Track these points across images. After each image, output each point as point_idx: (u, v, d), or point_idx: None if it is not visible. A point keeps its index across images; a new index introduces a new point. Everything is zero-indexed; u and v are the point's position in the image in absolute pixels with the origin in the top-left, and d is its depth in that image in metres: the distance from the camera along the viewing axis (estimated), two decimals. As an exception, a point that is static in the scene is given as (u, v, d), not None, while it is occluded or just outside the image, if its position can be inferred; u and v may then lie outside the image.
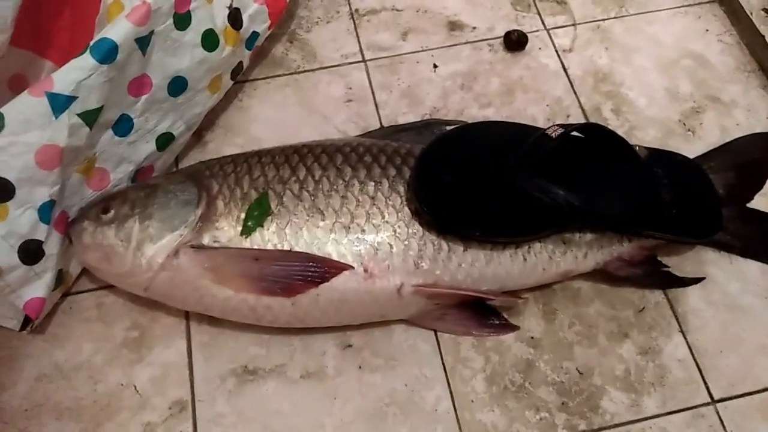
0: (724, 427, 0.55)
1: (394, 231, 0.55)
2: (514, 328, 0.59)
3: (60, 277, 0.57)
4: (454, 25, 0.80)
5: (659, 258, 0.62)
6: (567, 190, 0.56)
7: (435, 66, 0.77)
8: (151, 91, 0.59)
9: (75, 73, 0.52)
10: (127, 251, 0.53)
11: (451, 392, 0.57)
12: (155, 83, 0.59)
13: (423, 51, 0.78)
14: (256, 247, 0.53)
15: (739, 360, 0.58)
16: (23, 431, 0.55)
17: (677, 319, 0.60)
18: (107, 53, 0.53)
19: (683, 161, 0.63)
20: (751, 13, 0.77)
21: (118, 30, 0.54)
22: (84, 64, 0.52)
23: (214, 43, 0.63)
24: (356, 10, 0.81)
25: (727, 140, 0.69)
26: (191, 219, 0.54)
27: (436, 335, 0.59)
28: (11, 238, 0.51)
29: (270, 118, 0.72)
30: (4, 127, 0.49)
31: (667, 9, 0.81)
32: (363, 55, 0.77)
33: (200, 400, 0.56)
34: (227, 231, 0.54)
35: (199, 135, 0.69)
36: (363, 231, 0.54)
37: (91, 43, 0.53)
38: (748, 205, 0.65)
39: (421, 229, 0.55)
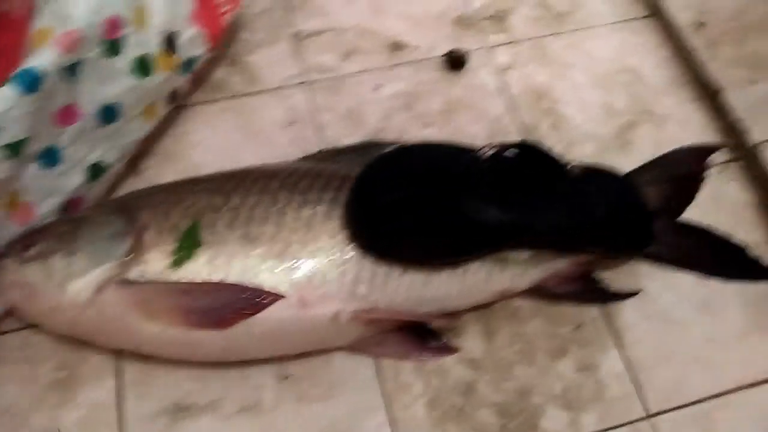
0: (660, 441, 0.56)
1: (329, 257, 0.55)
2: (453, 350, 0.59)
3: (-16, 316, 0.55)
4: (396, 45, 0.80)
5: (596, 272, 0.63)
6: (501, 210, 0.56)
7: (377, 86, 0.77)
8: (80, 120, 0.58)
9: (-3, 104, 0.50)
10: (51, 288, 0.52)
11: (392, 419, 0.56)
12: (85, 112, 0.58)
13: (365, 72, 0.78)
14: (186, 279, 0.52)
15: (674, 373, 0.59)
16: (-55, 483, 0.53)
17: (614, 334, 0.61)
18: (31, 82, 0.52)
19: (615, 178, 0.64)
20: (684, 28, 0.79)
21: (42, 59, 0.53)
22: (6, 94, 0.51)
23: (147, 68, 0.62)
24: (298, 32, 0.81)
25: (661, 153, 0.70)
26: (119, 252, 0.53)
27: (376, 361, 0.59)
28: (-72, 279, 0.50)
29: (210, 144, 0.72)
30: None
31: (604, 25, 0.83)
32: (305, 77, 0.77)
33: (131, 441, 0.55)
34: (156, 264, 0.53)
35: (134, 163, 0.68)
36: (297, 258, 0.54)
37: (14, 72, 0.52)
38: (681, 217, 0.66)
39: (357, 253, 0.55)
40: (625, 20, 0.83)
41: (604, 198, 0.61)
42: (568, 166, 0.61)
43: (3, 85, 0.51)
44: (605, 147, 0.73)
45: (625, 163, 0.68)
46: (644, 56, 0.80)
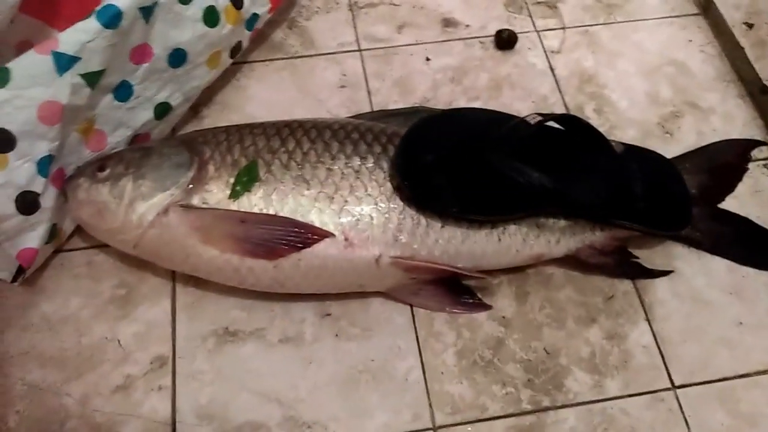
0: (682, 412, 0.58)
1: (376, 204, 0.57)
2: (486, 307, 0.62)
3: (53, 232, 0.59)
4: (448, 22, 0.83)
5: (630, 249, 0.65)
6: (542, 174, 0.58)
7: (427, 59, 0.80)
8: (151, 61, 0.62)
9: (80, 35, 0.54)
10: (119, 208, 0.56)
11: (422, 363, 0.59)
12: (156, 53, 0.62)
13: (417, 44, 0.81)
14: (242, 210, 0.56)
15: (701, 350, 0.61)
16: (8, 376, 0.57)
17: (644, 308, 0.63)
18: (112, 18, 0.56)
19: (657, 158, 0.66)
20: (733, 26, 0.80)
21: (123, -2, 0.57)
22: (89, 26, 0.55)
23: (214, 19, 0.65)
24: (355, 3, 0.84)
25: (703, 144, 0.71)
26: (182, 180, 0.56)
27: (411, 309, 0.62)
28: (9, 188, 0.54)
29: (265, 98, 0.75)
30: (9, 81, 0.52)
31: (653, 18, 0.85)
32: (359, 45, 0.80)
33: (181, 357, 0.58)
34: (216, 194, 0.56)
35: (196, 109, 0.72)
36: (346, 202, 0.57)
37: (97, 8, 0.55)
38: (719, 205, 0.68)
39: (401, 203, 0.58)
40: (675, 16, 0.85)
41: (645, 175, 0.62)
42: (612, 143, 0.63)
43: (86, 18, 0.55)
44: (647, 133, 0.74)
45: (667, 150, 0.70)
46: (692, 52, 0.82)
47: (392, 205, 0.58)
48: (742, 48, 0.78)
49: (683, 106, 0.77)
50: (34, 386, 0.56)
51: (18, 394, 0.56)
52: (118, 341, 0.59)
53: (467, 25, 0.83)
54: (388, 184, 0.58)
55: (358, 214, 0.57)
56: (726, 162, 0.71)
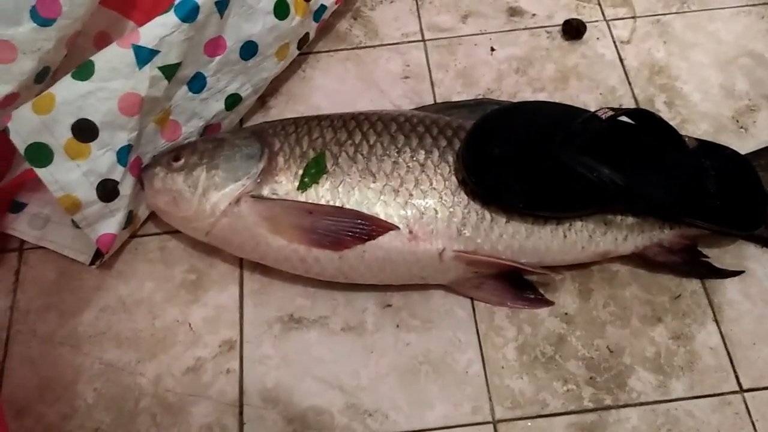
0: (750, 416, 0.56)
1: (441, 197, 0.58)
2: (548, 303, 0.61)
3: (130, 218, 0.62)
4: (514, 11, 0.82)
5: (699, 248, 0.63)
6: (613, 170, 0.57)
7: (492, 49, 0.79)
8: (224, 53, 0.63)
9: (159, 29, 0.56)
10: (193, 196, 0.58)
11: (482, 357, 0.59)
12: (229, 46, 0.63)
13: (481, 34, 0.80)
14: (310, 201, 0.57)
15: (772, 353, 0.59)
16: (87, 354, 0.60)
17: (713, 309, 0.61)
18: (189, 13, 0.57)
19: (732, 155, 0.64)
20: (818, 16, 0.76)
21: (200, -8, 0.58)
22: (168, 21, 0.57)
23: (285, 12, 0.66)
24: (420, -8, 0.83)
25: (781, 140, 0.69)
26: (253, 171, 0.58)
27: (472, 303, 0.62)
28: (92, 176, 0.56)
29: (330, 89, 0.76)
30: (93, 73, 0.54)
31: (730, 7, 0.81)
32: (423, 35, 0.80)
33: (248, 342, 0.60)
34: (285, 185, 0.58)
35: (263, 100, 0.74)
36: (411, 195, 0.57)
37: (176, 2, 0.57)
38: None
39: (466, 197, 0.58)
40: (753, 4, 0.81)
41: (719, 173, 0.61)
42: (685, 138, 0.61)
43: (165, 13, 0.57)
44: (721, 128, 0.72)
45: (741, 146, 0.67)
46: (770, 42, 0.78)
47: (457, 199, 0.58)
48: (827, 38, 0.74)
49: (760, 100, 0.74)
50: (110, 365, 0.59)
51: (96, 372, 0.59)
52: (189, 324, 0.61)
53: (534, 14, 0.81)
54: (453, 178, 0.58)
55: (423, 207, 0.57)
56: (805, 160, 0.68)
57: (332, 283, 0.62)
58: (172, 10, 0.57)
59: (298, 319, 0.61)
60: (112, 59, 0.55)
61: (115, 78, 0.55)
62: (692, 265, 0.62)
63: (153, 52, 0.56)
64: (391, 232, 0.56)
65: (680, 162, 0.60)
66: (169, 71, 0.58)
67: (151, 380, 0.59)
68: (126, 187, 0.59)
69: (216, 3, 0.59)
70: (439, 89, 0.76)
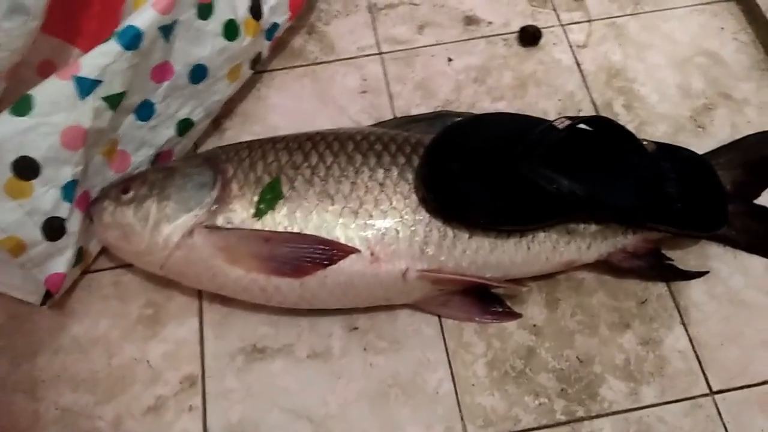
0: (721, 418, 0.56)
1: (401, 217, 0.57)
2: (516, 315, 0.61)
3: (80, 255, 0.59)
4: (470, 20, 0.81)
5: (663, 251, 0.63)
6: (572, 180, 0.57)
7: (450, 59, 0.78)
8: (172, 78, 0.61)
9: (101, 59, 0.54)
10: (144, 230, 0.56)
11: (452, 376, 0.58)
12: (177, 70, 0.61)
13: (438, 45, 0.79)
14: (267, 229, 0.55)
15: (740, 353, 0.59)
16: (41, 400, 0.58)
17: (679, 312, 0.61)
18: (132, 40, 0.55)
19: (690, 156, 0.64)
20: (766, 12, 0.77)
21: (143, 18, 0.56)
22: (110, 49, 0.54)
23: (234, 33, 0.65)
24: (374, 4, 0.82)
25: (738, 137, 0.69)
26: (206, 201, 0.56)
27: (440, 320, 0.61)
28: (35, 215, 0.54)
29: (287, 108, 0.75)
30: (32, 108, 0.52)
31: (683, 7, 0.82)
32: (379, 48, 0.79)
33: (210, 376, 0.58)
34: (240, 213, 0.56)
35: (217, 123, 0.72)
36: (371, 216, 0.56)
37: (117, 29, 0.55)
38: (756, 201, 0.66)
39: (427, 215, 0.57)
40: (706, 3, 0.82)
41: (679, 175, 0.60)
42: (644, 142, 0.61)
43: (107, 41, 0.55)
44: (680, 128, 0.72)
45: (700, 145, 0.68)
46: (724, 40, 0.79)
47: (418, 218, 0.57)
48: (778, 34, 0.75)
49: (716, 98, 0.74)
50: (67, 409, 0.57)
51: (52, 419, 0.57)
52: (148, 362, 0.59)
53: (490, 22, 0.81)
54: (414, 196, 0.57)
55: (384, 228, 0.56)
56: (762, 156, 0.68)
57: (296, 309, 0.60)
58: (114, 37, 0.55)
59: (262, 348, 0.60)
60: (52, 92, 0.53)
61: (56, 112, 0.53)
62: (657, 268, 0.62)
63: (95, 83, 0.54)
64: (353, 256, 0.55)
65: (640, 167, 0.60)
66: (114, 101, 0.56)
67: (111, 423, 0.56)
68: (74, 224, 0.57)
69: (160, 28, 0.57)
70: (397, 102, 0.75)
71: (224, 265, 0.55)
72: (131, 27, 0.56)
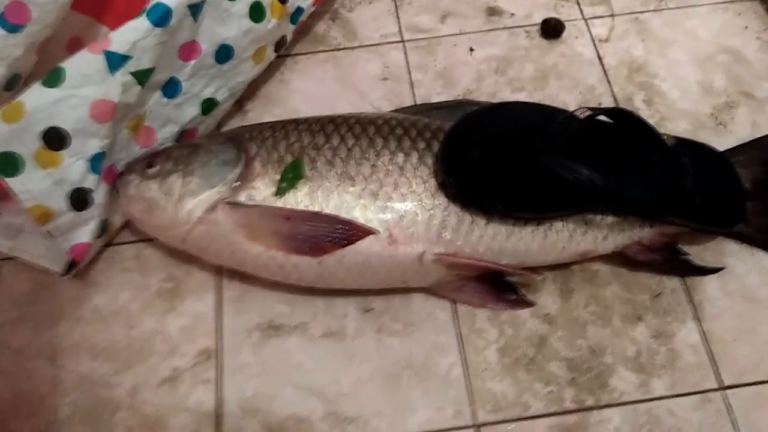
0: (730, 414, 0.56)
1: (420, 200, 0.57)
2: (530, 304, 0.61)
3: (104, 227, 0.61)
4: (492, 11, 0.81)
5: (679, 246, 0.63)
6: (592, 171, 0.57)
7: (471, 49, 0.78)
8: (199, 57, 0.62)
9: (131, 34, 0.55)
10: (168, 204, 0.57)
11: (464, 360, 0.59)
12: (204, 49, 0.62)
13: (461, 34, 0.80)
14: (288, 207, 0.56)
15: (752, 350, 0.59)
16: (61, 368, 0.59)
17: (693, 306, 0.61)
18: (162, 17, 0.56)
19: (710, 152, 0.64)
20: (793, 12, 0.77)
21: (173, -5, 0.57)
22: (140, 25, 0.55)
23: (260, 14, 0.66)
24: (398, -8, 0.83)
25: (758, 136, 0.69)
26: (230, 177, 0.57)
27: (453, 306, 0.61)
28: (63, 185, 0.55)
29: (309, 92, 0.75)
30: (63, 80, 0.53)
31: (707, 4, 0.81)
32: (402, 36, 0.79)
33: (226, 350, 0.59)
34: (262, 191, 0.57)
35: (240, 104, 0.73)
36: (390, 198, 0.57)
37: (147, 6, 0.56)
38: (774, 201, 0.65)
39: (445, 200, 0.57)
40: (730, 1, 0.82)
41: (698, 170, 0.61)
42: (664, 136, 0.61)
43: (137, 17, 0.56)
44: (700, 125, 0.72)
45: (720, 143, 0.67)
46: (747, 39, 0.78)
47: (437, 202, 0.57)
48: (803, 35, 0.75)
49: (738, 96, 0.74)
50: (85, 377, 0.58)
51: (71, 385, 0.58)
52: (166, 334, 0.60)
53: (512, 14, 0.81)
54: (433, 181, 0.58)
55: (403, 210, 0.57)
56: (782, 156, 0.68)
57: (312, 289, 0.61)
58: (144, 14, 0.56)
59: (278, 326, 0.60)
60: (83, 65, 0.54)
61: (86, 84, 0.54)
62: (672, 262, 0.62)
63: (125, 58, 0.55)
64: (371, 237, 0.56)
65: (659, 160, 0.60)
66: (142, 76, 0.57)
67: (128, 392, 0.58)
68: (99, 196, 0.58)
69: (189, 6, 0.58)
70: (418, 90, 0.75)
71: (245, 241, 0.56)
72: (160, 4, 0.57)
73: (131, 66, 0.56)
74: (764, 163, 0.66)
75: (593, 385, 0.58)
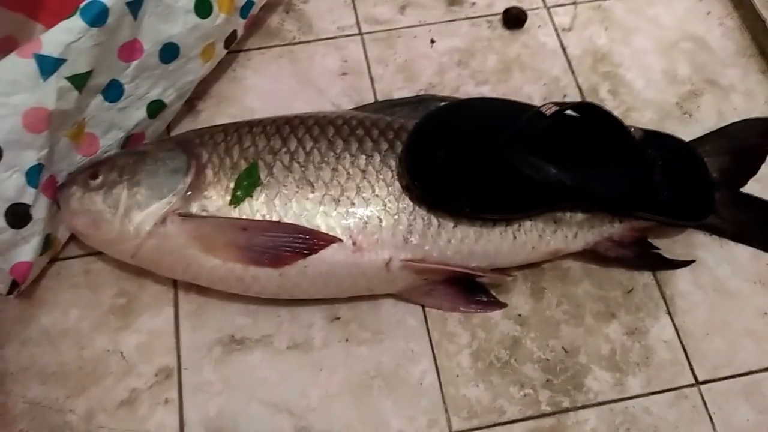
0: (707, 409, 0.56)
1: (384, 205, 0.55)
2: (501, 305, 0.59)
3: (48, 242, 0.56)
4: (453, 0, 0.79)
5: (650, 240, 0.62)
6: (559, 169, 0.55)
7: (432, 41, 0.76)
8: (142, 57, 0.58)
9: (64, 35, 0.51)
10: (114, 218, 0.53)
11: (436, 367, 0.57)
12: (146, 49, 0.58)
13: (421, 26, 0.77)
14: (244, 217, 0.53)
15: (725, 343, 0.59)
16: (8, 394, 0.55)
17: (665, 301, 0.61)
18: (97, 16, 0.52)
19: (678, 144, 0.63)
20: (754, -3, 0.76)
21: (109, -8, 0.53)
22: (73, 26, 0.51)
23: (207, 9, 0.62)
24: (354, -18, 0.80)
25: (724, 124, 0.68)
26: (180, 187, 0.54)
27: (423, 310, 0.59)
28: (-2, 201, 0.51)
29: (264, 89, 0.72)
30: (-9, 88, 0.49)
31: (669, -9, 0.80)
32: (360, 28, 0.76)
33: (186, 368, 0.56)
34: (216, 200, 0.53)
35: (191, 104, 0.69)
36: (353, 204, 0.54)
37: (81, 5, 0.52)
38: (742, 189, 0.65)
39: (411, 204, 0.55)
40: (692, -13, 0.81)
41: (666, 163, 0.59)
42: (631, 129, 0.60)
43: (70, 17, 0.52)
44: (666, 115, 0.71)
45: (686, 132, 0.67)
46: (710, 25, 0.78)
47: (401, 206, 0.55)
48: (764, 20, 0.75)
49: (702, 84, 0.73)
50: (36, 403, 0.54)
51: (20, 413, 0.54)
52: (121, 353, 0.57)
53: (473, 3, 0.79)
54: (397, 184, 0.55)
55: (366, 216, 0.54)
56: (748, 143, 0.67)
57: (275, 299, 0.58)
58: (78, 13, 0.52)
59: (240, 339, 0.57)
60: (12, 71, 0.49)
61: (16, 92, 0.50)
62: (643, 257, 0.61)
63: (59, 61, 0.51)
64: (334, 245, 0.53)
65: (627, 154, 0.59)
66: (80, 81, 0.53)
67: (82, 417, 0.54)
68: (40, 210, 0.54)
69: (128, 3, 0.54)
70: (379, 85, 0.72)
71: (199, 254, 0.53)
72: (96, 2, 0.52)
73: (66, 70, 0.51)
74: (731, 152, 0.65)
75: (568, 386, 0.57)
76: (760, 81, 0.73)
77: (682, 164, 0.61)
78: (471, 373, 0.57)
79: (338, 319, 0.59)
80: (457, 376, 0.57)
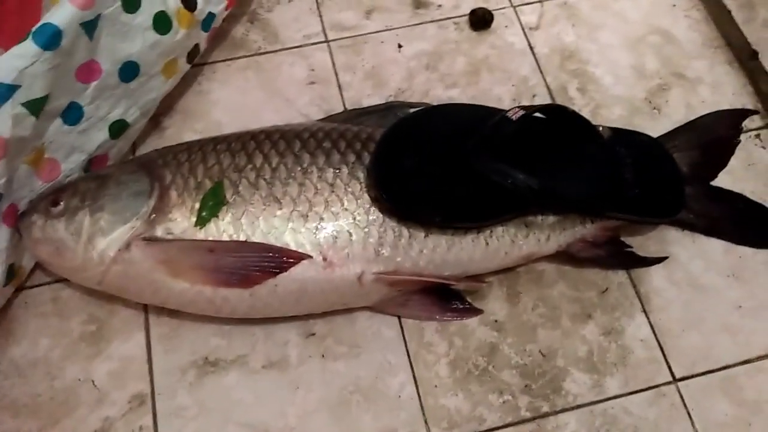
0: (685, 405, 0.56)
1: (354, 218, 0.54)
2: (477, 312, 0.59)
3: (12, 272, 0.55)
4: (419, 3, 0.78)
5: (622, 238, 0.62)
6: (527, 174, 0.55)
7: (400, 46, 0.75)
8: (101, 78, 0.57)
9: (17, 61, 0.50)
10: (78, 245, 0.52)
11: (414, 378, 0.57)
12: (105, 69, 0.57)
13: (387, 30, 0.76)
14: (211, 238, 0.52)
15: (701, 339, 0.59)
16: (-21, 429, 0.54)
17: (640, 299, 0.61)
18: (51, 39, 0.51)
19: (646, 141, 0.63)
20: (718, -12, 0.76)
21: (61, 14, 0.52)
22: (26, 51, 0.50)
23: (166, 25, 0.61)
24: (319, -12, 0.79)
25: (693, 117, 0.68)
26: (143, 210, 0.53)
27: (399, 321, 0.59)
28: (-44, 234, 0.50)
29: (231, 102, 0.71)
30: (-59, 118, 0.47)
31: (635, -16, 0.80)
32: (326, 36, 0.75)
33: (160, 393, 0.55)
34: (181, 222, 0.52)
35: (156, 121, 0.68)
36: (322, 219, 0.54)
37: (33, 28, 0.51)
38: (712, 183, 0.65)
39: (381, 215, 0.55)
40: (658, -21, 0.80)
41: (635, 161, 0.59)
42: (599, 128, 0.60)
43: (22, 42, 0.50)
44: (635, 111, 0.71)
45: (655, 127, 0.67)
46: (676, 17, 0.78)
47: (371, 218, 0.54)
48: (729, 11, 0.75)
49: (670, 78, 0.73)
50: (8, 438, 0.53)
51: (-9, 448, 0.53)
52: (93, 382, 0.56)
53: (439, 5, 0.78)
54: (366, 196, 0.55)
55: (336, 231, 0.53)
56: (717, 136, 0.67)
57: (248, 318, 0.57)
58: (30, 37, 0.50)
59: (214, 361, 0.57)
60: (-37, 100, 0.48)
61: (-31, 121, 0.48)
62: (616, 256, 0.61)
63: (12, 88, 0.50)
64: (304, 262, 0.52)
65: (596, 154, 0.59)
66: (36, 106, 0.52)
67: (56, 450, 0.53)
68: (1, 241, 0.53)
69: (82, 24, 0.53)
70: (347, 93, 0.72)
71: (166, 278, 0.52)
72: (49, 25, 0.51)
73: (21, 96, 0.50)
74: (700, 145, 0.65)
75: (547, 390, 0.56)
76: (728, 72, 0.74)
77: (651, 161, 0.61)
78: (449, 383, 0.56)
79: (313, 335, 0.58)
80: (436, 386, 0.56)
